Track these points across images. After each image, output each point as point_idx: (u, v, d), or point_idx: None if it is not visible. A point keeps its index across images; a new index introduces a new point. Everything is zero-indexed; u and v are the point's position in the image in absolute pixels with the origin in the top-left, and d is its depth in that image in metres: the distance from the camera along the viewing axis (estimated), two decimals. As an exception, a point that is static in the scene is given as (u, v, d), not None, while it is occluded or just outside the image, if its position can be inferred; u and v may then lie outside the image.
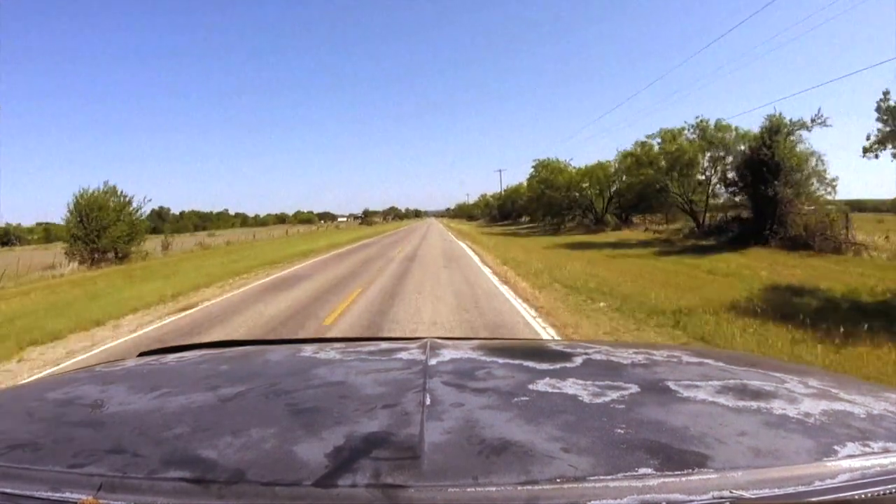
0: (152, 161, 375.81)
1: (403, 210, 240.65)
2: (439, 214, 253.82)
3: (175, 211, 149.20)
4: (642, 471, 0.49)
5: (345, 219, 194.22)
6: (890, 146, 11.78)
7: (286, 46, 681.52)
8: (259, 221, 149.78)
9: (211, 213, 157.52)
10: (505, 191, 67.83)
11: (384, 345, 1.03)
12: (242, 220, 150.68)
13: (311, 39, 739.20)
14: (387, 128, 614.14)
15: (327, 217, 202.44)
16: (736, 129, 20.20)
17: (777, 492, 0.48)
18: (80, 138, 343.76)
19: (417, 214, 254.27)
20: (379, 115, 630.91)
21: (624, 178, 27.91)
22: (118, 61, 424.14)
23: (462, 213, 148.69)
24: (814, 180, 15.76)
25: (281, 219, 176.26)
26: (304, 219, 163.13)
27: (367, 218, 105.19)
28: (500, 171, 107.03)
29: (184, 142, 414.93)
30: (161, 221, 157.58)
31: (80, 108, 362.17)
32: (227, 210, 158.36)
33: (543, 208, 34.89)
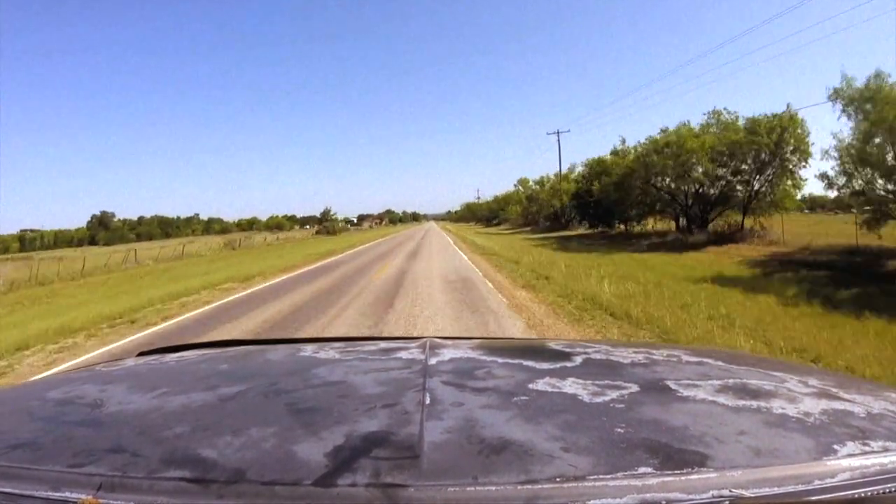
0: (132, 165, 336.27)
1: (400, 213, 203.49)
2: (440, 218, 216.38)
3: (147, 216, 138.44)
4: (642, 470, 0.49)
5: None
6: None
7: (273, 40, 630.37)
8: (222, 228, 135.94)
9: (177, 218, 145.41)
10: (617, 153, 27.10)
11: (384, 344, 1.05)
12: (205, 227, 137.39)
13: (299, 32, 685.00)
14: (384, 127, 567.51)
15: (311, 221, 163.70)
16: None
17: (777, 491, 0.48)
18: (41, 139, 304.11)
19: (416, 218, 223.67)
20: (375, 113, 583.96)
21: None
22: (80, 57, 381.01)
23: (471, 214, 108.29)
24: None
25: (251, 223, 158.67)
26: (274, 224, 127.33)
27: (326, 223, 66.61)
28: (557, 132, 42.53)
29: (169, 144, 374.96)
30: (102, 229, 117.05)
31: (41, 107, 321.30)
32: (197, 214, 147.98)
33: None
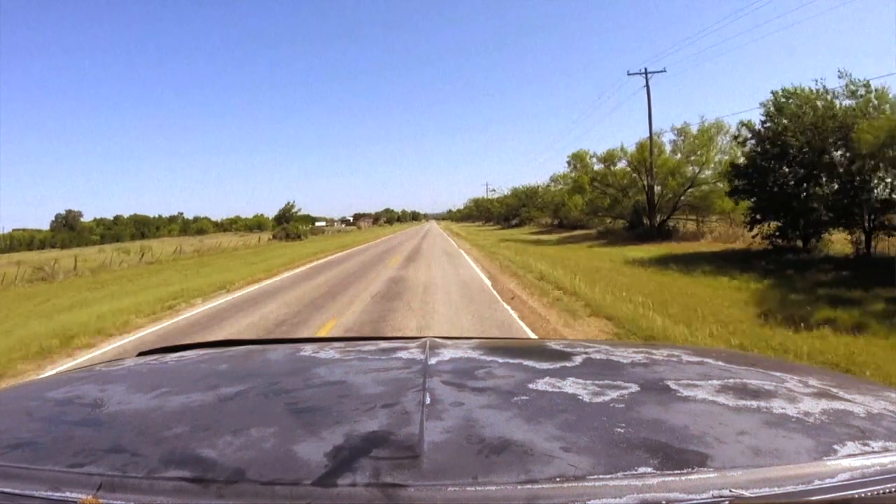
0: (125, 164, 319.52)
1: (399, 212, 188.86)
2: (440, 217, 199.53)
3: (126, 215, 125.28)
4: (642, 470, 0.50)
5: (323, 224, 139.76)
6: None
7: (266, 34, 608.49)
8: (199, 229, 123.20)
9: (159, 217, 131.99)
10: None
11: (384, 344, 1.06)
12: (182, 228, 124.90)
13: (298, 28, 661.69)
14: (383, 125, 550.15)
15: (305, 220, 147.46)
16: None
17: (777, 491, 0.48)
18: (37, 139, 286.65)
19: (415, 217, 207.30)
20: (375, 111, 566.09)
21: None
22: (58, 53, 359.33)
23: (479, 212, 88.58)
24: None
25: (232, 223, 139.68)
26: (255, 224, 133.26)
27: (286, 224, 48.03)
28: (645, 72, 23.21)
29: (162, 142, 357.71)
30: (69, 230, 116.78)
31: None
32: (181, 213, 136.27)
33: None
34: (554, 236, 32.62)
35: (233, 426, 0.63)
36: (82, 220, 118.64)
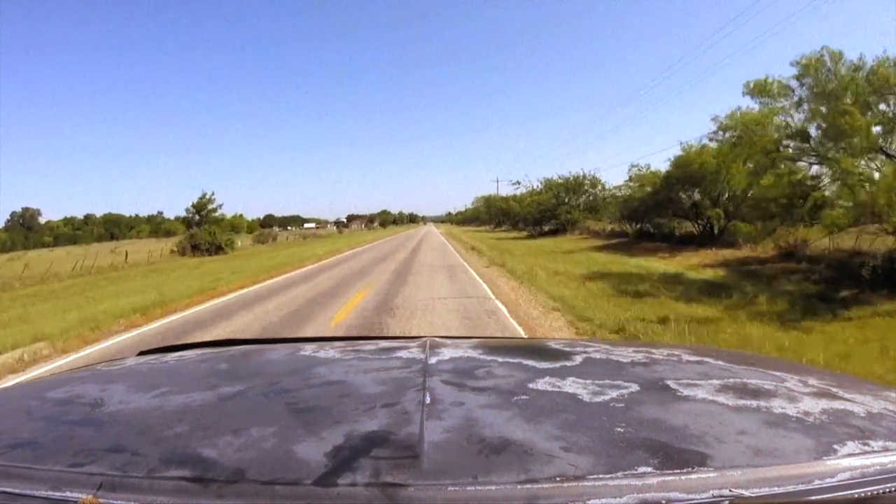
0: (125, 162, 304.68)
1: (396, 213, 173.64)
2: (440, 220, 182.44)
3: (99, 215, 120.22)
4: (642, 469, 0.50)
5: (312, 226, 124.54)
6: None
7: (266, 32, 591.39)
8: (168, 229, 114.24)
9: (135, 216, 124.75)
10: None
11: (384, 343, 1.06)
12: (153, 228, 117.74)
13: (294, 25, 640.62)
14: (383, 126, 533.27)
15: (295, 222, 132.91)
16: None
17: (776, 490, 0.48)
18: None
19: (412, 219, 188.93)
20: (374, 111, 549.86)
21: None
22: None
23: (489, 214, 71.35)
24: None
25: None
26: (230, 226, 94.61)
27: (196, 228, 30.04)
28: None
29: (157, 140, 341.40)
30: (27, 231, 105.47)
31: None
32: (161, 212, 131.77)
33: None
34: (727, 263, 12.88)
35: (233, 426, 0.63)
36: (51, 218, 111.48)
